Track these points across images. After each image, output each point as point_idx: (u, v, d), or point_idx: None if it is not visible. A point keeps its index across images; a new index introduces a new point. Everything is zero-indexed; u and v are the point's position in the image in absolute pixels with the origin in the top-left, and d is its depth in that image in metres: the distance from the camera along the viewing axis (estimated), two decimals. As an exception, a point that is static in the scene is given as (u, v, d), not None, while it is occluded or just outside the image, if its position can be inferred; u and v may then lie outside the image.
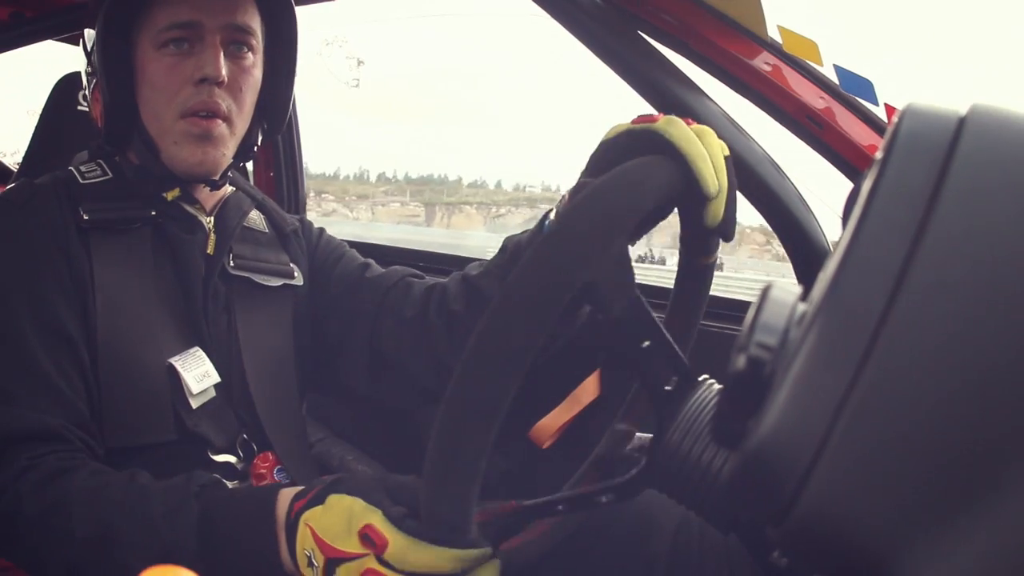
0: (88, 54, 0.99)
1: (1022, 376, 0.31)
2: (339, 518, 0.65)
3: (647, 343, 0.61)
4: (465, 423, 0.54)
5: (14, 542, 0.78)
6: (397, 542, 0.62)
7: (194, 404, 0.92)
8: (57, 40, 1.68)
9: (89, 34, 0.97)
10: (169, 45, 0.91)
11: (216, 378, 0.94)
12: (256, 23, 0.96)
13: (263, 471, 0.95)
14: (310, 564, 0.67)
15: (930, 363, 0.31)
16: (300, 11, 1.03)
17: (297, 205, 1.87)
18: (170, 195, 0.97)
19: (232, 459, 0.95)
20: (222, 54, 0.92)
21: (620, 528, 0.92)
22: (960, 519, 0.30)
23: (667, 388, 0.62)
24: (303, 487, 0.72)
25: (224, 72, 0.91)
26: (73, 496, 0.75)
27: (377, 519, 0.63)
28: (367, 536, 0.63)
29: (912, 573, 0.31)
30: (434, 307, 1.00)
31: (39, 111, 1.42)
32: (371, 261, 1.15)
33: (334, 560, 0.65)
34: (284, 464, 0.97)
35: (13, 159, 2.17)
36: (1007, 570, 0.30)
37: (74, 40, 1.68)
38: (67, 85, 1.37)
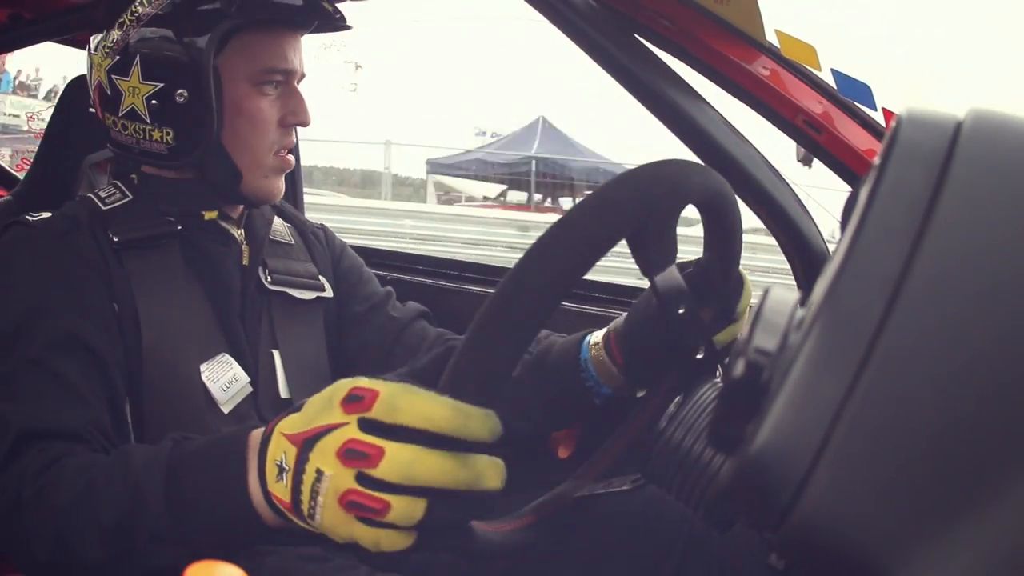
0: (120, 67, 0.95)
1: (1021, 382, 0.31)
2: (319, 402, 0.59)
3: (682, 310, 0.64)
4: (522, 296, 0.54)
5: (12, 528, 0.76)
6: (388, 389, 0.55)
7: (225, 410, 0.93)
8: (56, 42, 1.68)
9: (112, 37, 0.96)
10: (265, 85, 0.96)
11: (246, 378, 0.96)
12: None
13: None
14: (280, 474, 0.59)
15: (928, 369, 0.31)
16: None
17: (296, 202, 1.87)
18: (208, 215, 1.00)
19: None
20: None
21: (634, 511, 0.93)
22: (958, 527, 0.30)
23: (698, 357, 0.65)
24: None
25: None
26: (65, 471, 0.74)
27: (364, 380, 0.57)
28: (353, 396, 0.56)
29: (910, 580, 0.31)
30: (441, 360, 1.04)
31: (38, 112, 1.42)
32: (391, 290, 1.20)
33: (308, 442, 0.57)
34: None
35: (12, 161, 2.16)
36: None
37: (73, 42, 1.68)
38: (79, 86, 1.36)
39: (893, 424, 0.31)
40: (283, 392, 1.01)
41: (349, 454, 0.55)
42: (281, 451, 0.60)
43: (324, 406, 0.58)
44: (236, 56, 0.94)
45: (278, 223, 1.13)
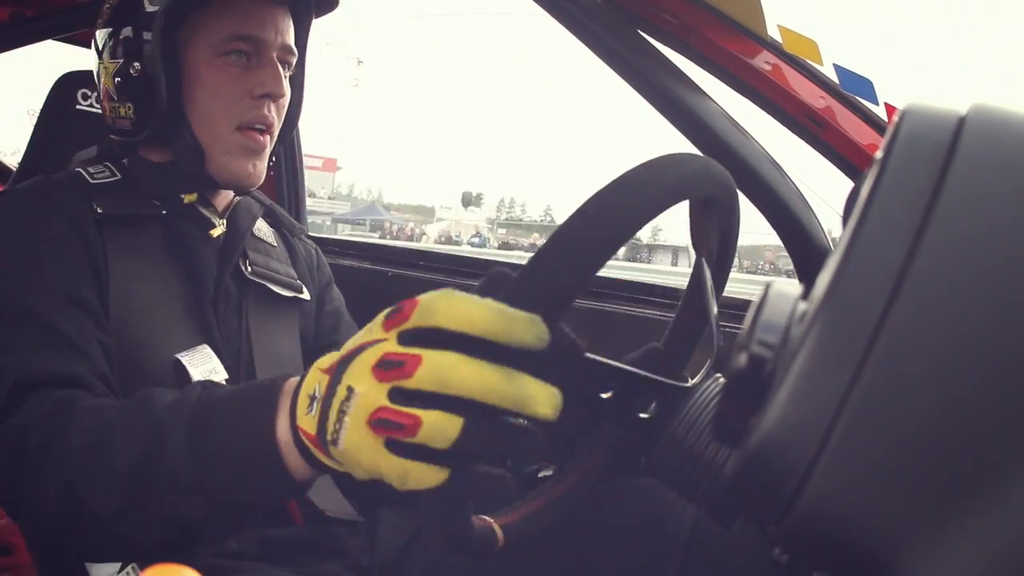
0: (108, 46, 0.98)
1: (1022, 374, 0.31)
2: (361, 330, 0.54)
3: (608, 394, 0.61)
4: None
5: (17, 479, 0.72)
6: (427, 297, 0.50)
7: None
8: (57, 40, 1.68)
9: (102, 34, 0.98)
10: (230, 55, 0.94)
11: (224, 374, 0.94)
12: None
13: None
14: (311, 405, 0.54)
15: (930, 362, 0.31)
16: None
17: (297, 204, 1.88)
18: (188, 198, 0.99)
19: None
20: (281, 72, 0.96)
21: (638, 508, 0.93)
22: (961, 518, 0.30)
23: (643, 416, 0.62)
24: None
25: (286, 90, 0.97)
26: (78, 414, 0.71)
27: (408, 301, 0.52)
28: (395, 312, 0.51)
29: (913, 572, 0.31)
30: None
31: (39, 111, 1.42)
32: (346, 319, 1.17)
33: (343, 362, 0.52)
34: None
35: (14, 159, 2.17)
36: (1009, 570, 0.30)
37: (74, 40, 1.68)
38: (66, 84, 1.37)
39: (896, 416, 0.31)
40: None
41: (383, 366, 0.50)
42: (315, 382, 0.55)
43: (366, 331, 0.54)
44: (200, 26, 0.93)
45: (264, 226, 1.12)
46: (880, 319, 0.32)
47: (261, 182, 1.00)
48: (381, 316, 0.53)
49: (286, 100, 1.00)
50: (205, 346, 0.94)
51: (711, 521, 0.64)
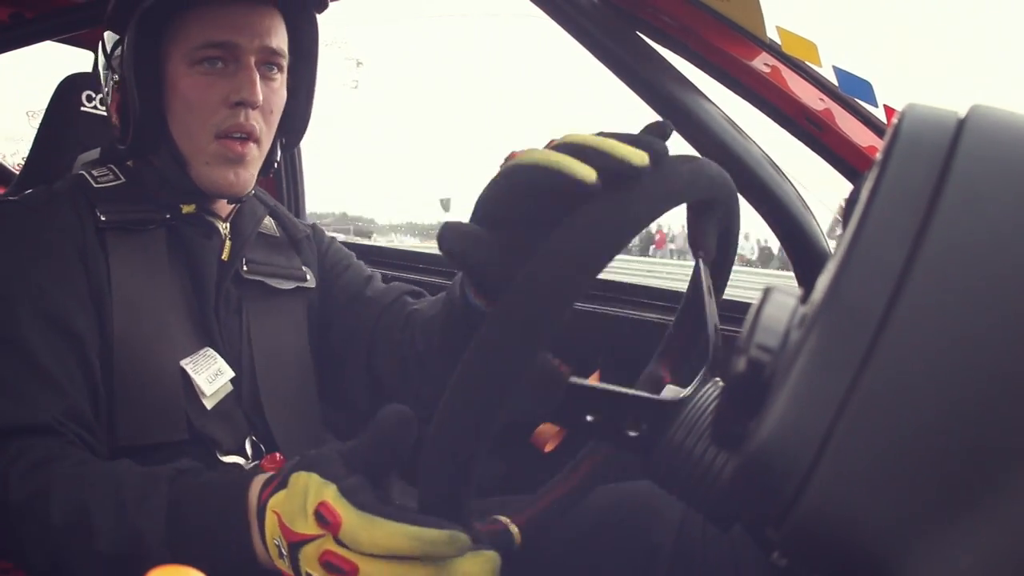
0: (107, 56, 0.98)
1: (1022, 377, 0.31)
2: (298, 498, 0.61)
3: (591, 417, 0.61)
4: (454, 443, 0.52)
5: (2, 530, 0.77)
6: (349, 519, 0.57)
7: (208, 405, 0.92)
8: (57, 41, 1.68)
9: (109, 36, 0.97)
10: (203, 63, 0.91)
11: (230, 373, 0.95)
12: (285, 44, 0.97)
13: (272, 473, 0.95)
14: (280, 554, 0.63)
15: (931, 365, 0.31)
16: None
17: (298, 207, 1.88)
18: (186, 209, 0.98)
19: (240, 460, 0.95)
20: (257, 77, 0.92)
21: (624, 517, 0.93)
22: (961, 520, 0.30)
23: (632, 434, 0.62)
24: (273, 472, 0.68)
25: (260, 96, 0.92)
26: (54, 483, 0.74)
27: (331, 495, 0.59)
28: (321, 515, 0.58)
29: (913, 574, 0.31)
30: (409, 337, 1.02)
31: (38, 112, 1.42)
32: (375, 274, 1.16)
33: (295, 545, 0.61)
34: None
35: (13, 160, 2.17)
36: (1009, 571, 0.30)
37: (74, 41, 1.68)
38: (70, 86, 1.36)
39: (896, 419, 0.31)
40: (260, 387, 0.99)
41: (328, 566, 0.58)
42: (276, 535, 0.63)
43: (300, 508, 0.61)
44: (179, 36, 0.91)
45: (269, 222, 1.11)
46: (880, 322, 0.32)
47: (248, 190, 0.97)
48: (311, 507, 0.59)
49: (275, 104, 0.96)
50: (208, 349, 0.95)
51: (711, 524, 0.64)
